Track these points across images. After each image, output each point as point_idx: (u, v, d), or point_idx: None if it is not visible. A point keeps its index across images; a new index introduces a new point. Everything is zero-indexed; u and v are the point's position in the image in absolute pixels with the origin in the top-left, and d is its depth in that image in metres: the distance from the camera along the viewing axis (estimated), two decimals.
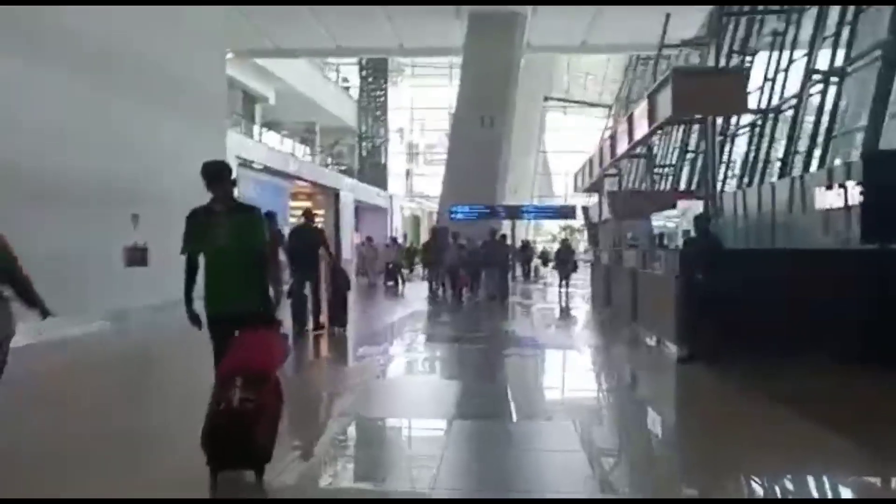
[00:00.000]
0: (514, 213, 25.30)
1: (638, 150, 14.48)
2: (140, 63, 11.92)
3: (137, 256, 10.35)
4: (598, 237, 21.83)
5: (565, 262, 19.35)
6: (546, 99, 47.13)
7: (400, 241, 25.79)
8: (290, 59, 31.87)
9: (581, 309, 15.64)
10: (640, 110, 11.69)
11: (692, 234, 8.65)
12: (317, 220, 24.65)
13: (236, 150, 15.76)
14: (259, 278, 4.11)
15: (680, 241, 13.04)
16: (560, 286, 18.90)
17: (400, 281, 21.15)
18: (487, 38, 25.55)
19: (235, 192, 4.29)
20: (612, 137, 14.92)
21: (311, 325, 9.72)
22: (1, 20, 9.12)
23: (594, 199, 28.26)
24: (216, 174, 4.12)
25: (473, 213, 23.97)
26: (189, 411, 4.14)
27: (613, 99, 52.59)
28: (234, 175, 4.31)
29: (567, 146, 65.22)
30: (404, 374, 8.16)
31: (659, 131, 14.56)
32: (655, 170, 20.06)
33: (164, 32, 12.55)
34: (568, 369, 8.79)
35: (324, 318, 9.99)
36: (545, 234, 59.19)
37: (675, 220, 16.84)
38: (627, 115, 13.97)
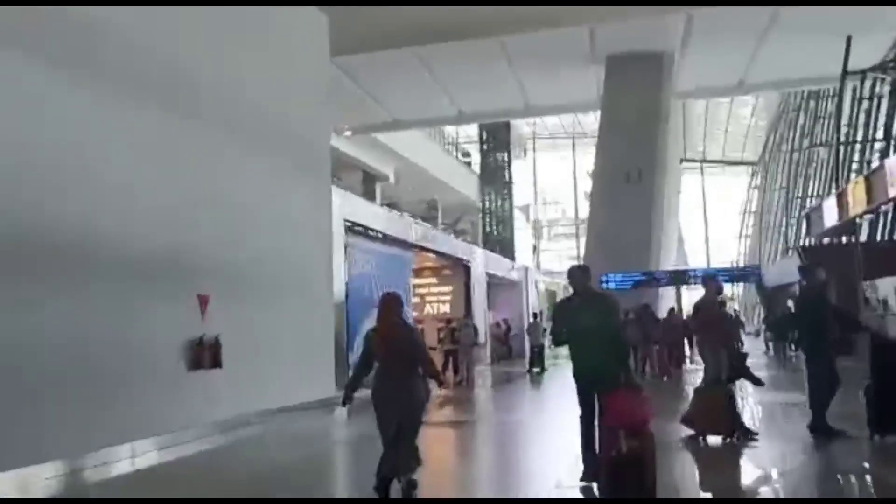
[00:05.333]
0: (680, 278, 20.91)
1: None
2: (227, 102, 9.12)
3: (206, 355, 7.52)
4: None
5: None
6: (682, 161, 43.19)
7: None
8: (409, 130, 30.04)
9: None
10: None
11: None
12: (443, 298, 21.78)
13: (345, 214, 12.85)
14: (616, 350, 5.33)
15: None
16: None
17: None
18: (629, 83, 22.23)
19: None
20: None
21: None
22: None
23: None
24: (584, 271, 5.68)
25: (627, 282, 20.12)
26: None
27: (759, 156, 47.50)
28: (590, 272, 5.80)
29: (702, 210, 59.77)
30: None
31: None
32: None
33: (263, 74, 9.81)
34: None
35: None
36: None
37: None
38: None
